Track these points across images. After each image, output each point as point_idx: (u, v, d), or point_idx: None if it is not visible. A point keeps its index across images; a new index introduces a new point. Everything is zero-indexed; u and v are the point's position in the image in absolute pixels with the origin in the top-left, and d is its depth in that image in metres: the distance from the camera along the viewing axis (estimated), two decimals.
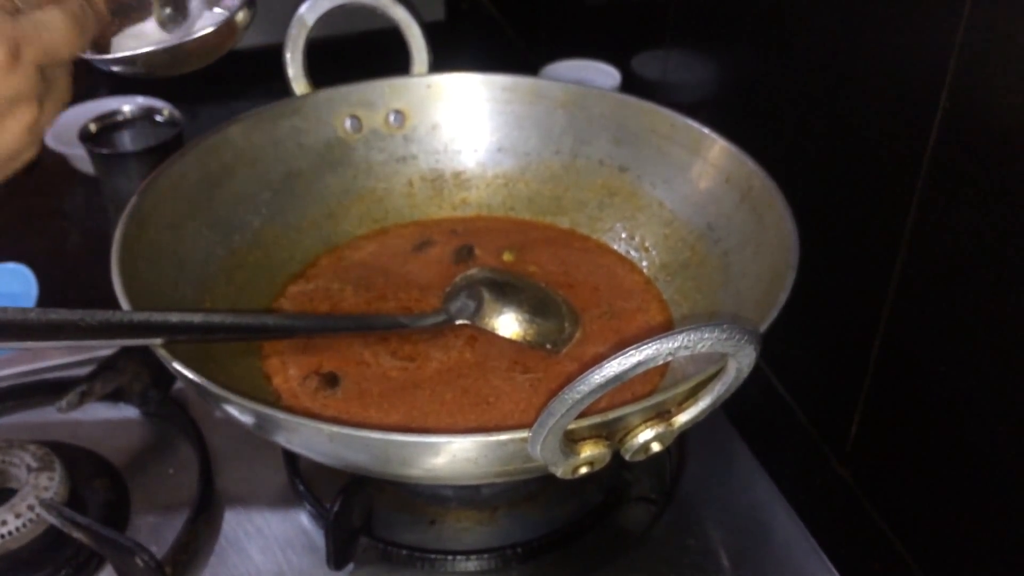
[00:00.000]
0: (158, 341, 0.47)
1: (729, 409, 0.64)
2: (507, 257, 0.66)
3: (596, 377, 0.38)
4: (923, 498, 0.59)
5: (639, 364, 0.37)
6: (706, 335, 0.37)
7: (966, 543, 0.56)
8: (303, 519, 0.59)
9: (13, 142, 0.42)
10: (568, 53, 0.96)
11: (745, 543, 0.58)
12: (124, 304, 0.49)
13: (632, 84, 0.91)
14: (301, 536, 0.58)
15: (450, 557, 0.56)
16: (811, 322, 0.64)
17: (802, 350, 0.68)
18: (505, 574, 0.56)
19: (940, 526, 0.58)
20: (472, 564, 0.56)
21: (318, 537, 0.57)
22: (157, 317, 0.47)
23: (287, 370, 0.57)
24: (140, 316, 0.47)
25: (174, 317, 0.48)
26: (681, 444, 0.63)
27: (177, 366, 0.46)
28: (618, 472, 0.60)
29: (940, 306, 0.54)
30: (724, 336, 0.38)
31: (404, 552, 0.56)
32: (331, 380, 0.56)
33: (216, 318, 0.50)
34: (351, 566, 0.55)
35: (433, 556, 0.56)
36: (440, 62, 0.70)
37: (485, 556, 0.56)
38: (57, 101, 0.44)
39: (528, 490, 0.60)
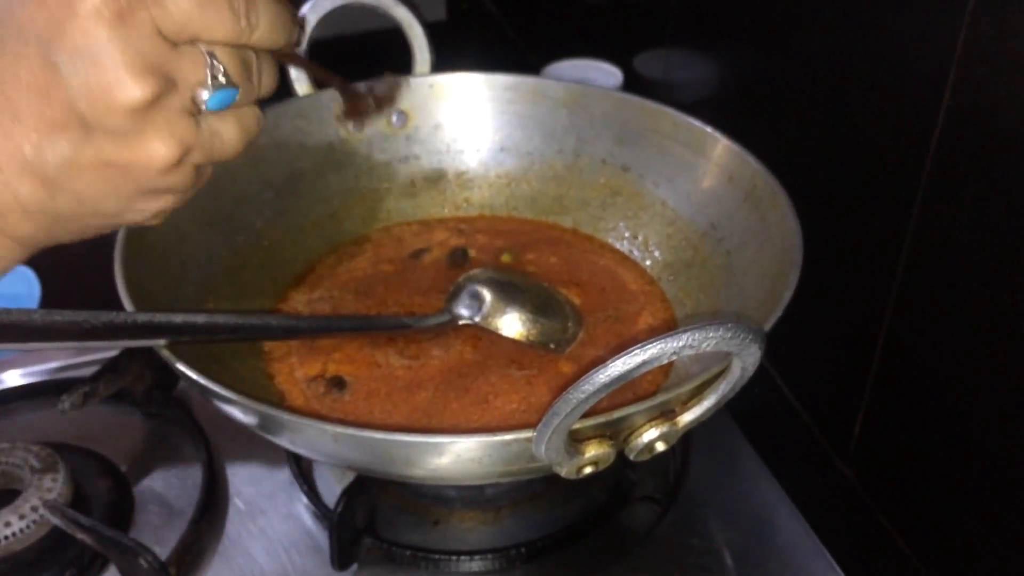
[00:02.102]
0: (162, 342, 0.47)
1: (733, 409, 0.64)
2: (505, 259, 0.66)
3: (601, 376, 0.37)
4: (927, 497, 0.59)
5: (644, 363, 0.37)
6: (711, 334, 0.37)
7: (970, 541, 0.56)
8: (307, 520, 0.58)
9: (139, 218, 0.43)
10: (569, 53, 0.96)
11: (749, 542, 0.58)
12: (127, 305, 0.49)
13: (634, 83, 0.91)
14: (305, 537, 0.57)
15: (454, 557, 0.56)
16: (815, 321, 0.64)
17: (806, 349, 0.68)
18: (509, 574, 0.56)
19: (944, 525, 0.58)
20: (476, 564, 0.56)
21: (322, 538, 0.57)
22: (160, 318, 0.47)
23: (291, 371, 0.57)
24: (144, 317, 0.47)
25: (178, 318, 0.48)
26: (685, 444, 0.63)
27: (181, 367, 0.46)
28: (622, 472, 0.60)
29: (944, 305, 0.54)
30: (728, 335, 0.38)
31: (408, 552, 0.56)
32: (338, 383, 0.56)
33: (220, 318, 0.50)
34: (355, 567, 0.55)
35: (437, 556, 0.56)
36: (441, 62, 0.70)
37: (489, 556, 0.56)
38: (195, 188, 0.44)
39: (532, 490, 0.60)
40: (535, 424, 0.41)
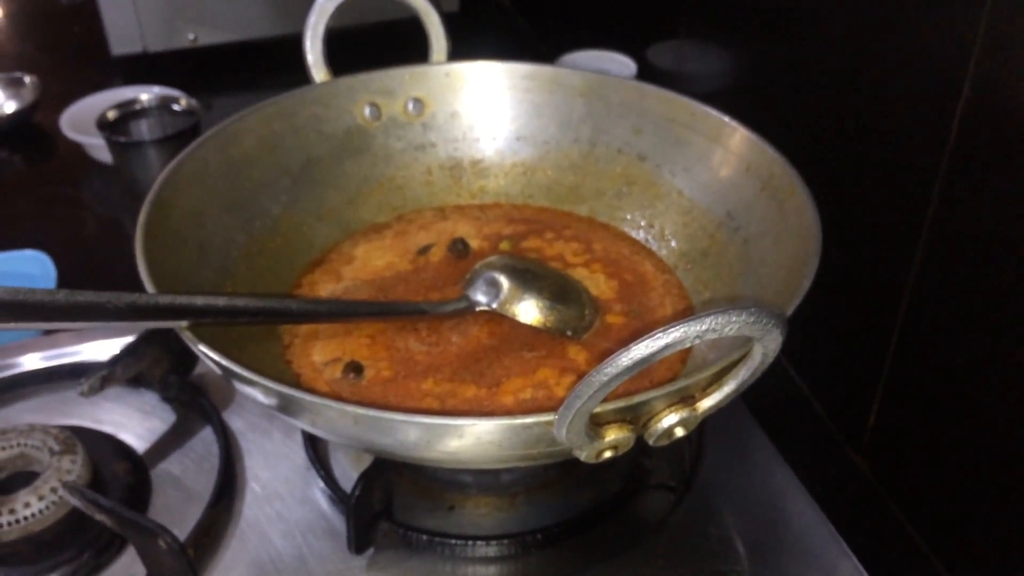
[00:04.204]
0: (183, 323, 0.47)
1: (748, 398, 0.64)
2: (504, 246, 0.66)
3: (623, 359, 0.38)
4: (939, 487, 0.59)
5: (667, 347, 0.37)
6: (733, 318, 0.38)
7: (982, 531, 0.56)
8: (323, 504, 0.59)
9: None
10: (581, 44, 0.96)
11: (763, 530, 0.58)
12: (149, 287, 0.49)
13: (647, 74, 0.91)
14: (321, 520, 0.58)
15: (470, 542, 0.56)
16: (829, 312, 0.64)
17: (820, 340, 0.68)
18: (524, 560, 0.57)
19: (956, 515, 0.58)
20: (491, 549, 0.56)
21: (338, 522, 0.57)
22: (182, 300, 0.47)
23: (309, 355, 0.57)
24: (165, 299, 0.47)
25: (199, 300, 0.48)
26: (700, 432, 0.63)
27: (203, 348, 0.46)
28: (637, 459, 0.60)
29: (959, 296, 0.54)
30: (752, 320, 0.38)
31: (424, 537, 0.56)
32: (355, 368, 0.56)
33: (240, 301, 0.51)
34: (371, 550, 0.56)
35: (453, 541, 0.56)
36: (454, 54, 0.70)
37: (504, 542, 0.56)
38: None
39: (547, 476, 0.60)
40: (553, 410, 0.41)
